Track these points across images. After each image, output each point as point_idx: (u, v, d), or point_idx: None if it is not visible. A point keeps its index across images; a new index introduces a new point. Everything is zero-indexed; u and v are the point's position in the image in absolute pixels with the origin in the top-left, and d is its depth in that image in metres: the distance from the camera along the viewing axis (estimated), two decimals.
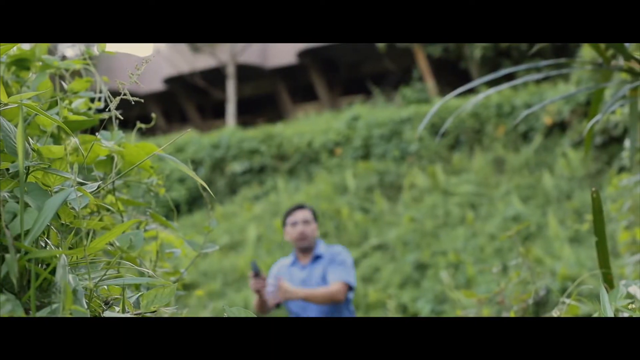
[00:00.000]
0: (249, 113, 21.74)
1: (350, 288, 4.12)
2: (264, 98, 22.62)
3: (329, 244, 4.55)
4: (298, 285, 4.16)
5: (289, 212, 4.33)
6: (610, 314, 0.99)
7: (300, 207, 4.35)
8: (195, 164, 13.50)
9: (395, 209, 10.31)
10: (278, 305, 4.24)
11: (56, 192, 0.88)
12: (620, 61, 2.16)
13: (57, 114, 0.94)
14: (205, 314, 7.68)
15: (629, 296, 2.42)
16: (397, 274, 8.30)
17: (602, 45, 2.05)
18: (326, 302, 4.02)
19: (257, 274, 4.02)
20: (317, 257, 4.29)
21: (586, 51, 9.50)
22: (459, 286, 7.57)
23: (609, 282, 1.59)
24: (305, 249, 4.27)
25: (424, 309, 7.32)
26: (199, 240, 1.17)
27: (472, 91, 13.85)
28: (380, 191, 10.77)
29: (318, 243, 4.35)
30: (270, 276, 4.29)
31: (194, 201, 13.04)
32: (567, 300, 1.94)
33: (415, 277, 8.17)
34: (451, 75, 17.08)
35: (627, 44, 2.11)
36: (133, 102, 0.96)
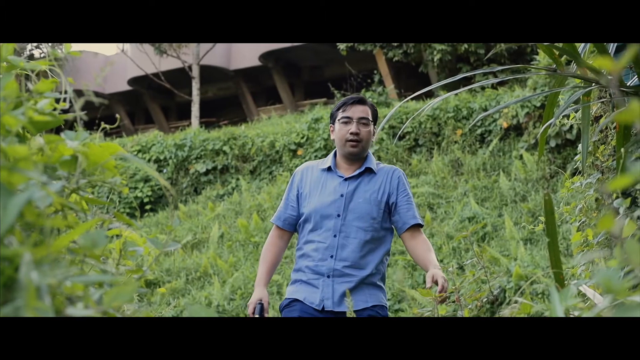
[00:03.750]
0: (213, 114, 21.69)
1: None
2: (227, 100, 22.59)
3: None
4: (327, 201, 3.09)
5: (344, 104, 3.18)
6: (560, 312, 1.03)
7: (359, 100, 3.17)
8: (160, 164, 13.49)
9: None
10: None
11: (21, 191, 0.89)
12: (574, 67, 2.22)
13: (23, 114, 0.96)
14: (168, 310, 7.67)
15: (581, 295, 2.49)
16: None
17: (557, 52, 2.12)
18: None
19: (260, 314, 3.12)
20: (366, 171, 3.17)
21: (542, 57, 9.70)
22: (417, 285, 7.66)
23: (560, 281, 1.65)
24: (354, 158, 3.15)
25: None
26: (162, 239, 1.19)
27: (431, 94, 14.03)
28: None
29: (369, 154, 3.24)
30: (290, 184, 3.27)
31: (159, 200, 13.05)
32: (520, 299, 1.99)
33: None
34: (411, 79, 17.25)
35: (580, 51, 2.18)
36: (97, 105, 0.98)
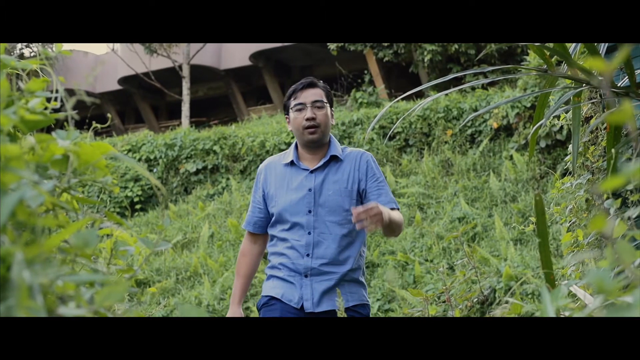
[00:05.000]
0: (203, 114, 21.68)
1: None
2: (218, 99, 22.59)
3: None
4: (295, 198, 2.93)
5: (294, 91, 2.99)
6: (551, 312, 1.03)
7: (309, 84, 2.99)
8: (150, 164, 13.48)
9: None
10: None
11: (12, 190, 0.89)
12: (565, 68, 2.23)
13: (14, 113, 0.95)
14: (158, 310, 7.66)
15: (571, 295, 2.50)
16: None
17: (547, 53, 2.12)
18: (394, 233, 2.86)
19: None
20: (332, 159, 2.99)
21: (532, 57, 9.73)
22: (407, 285, 7.68)
23: (551, 282, 1.66)
24: (315, 145, 2.97)
25: (373, 307, 7.40)
26: (153, 238, 1.19)
27: (421, 95, 14.06)
28: None
29: (332, 139, 3.05)
30: (255, 184, 3.11)
31: (149, 200, 13.03)
32: (511, 300, 2.00)
33: None
34: (401, 79, 17.29)
35: (571, 52, 2.19)
36: (89, 104, 0.98)
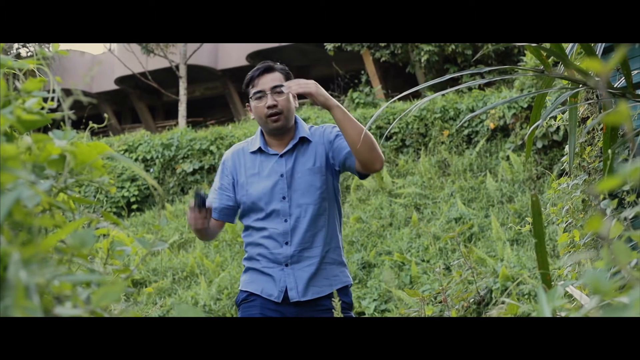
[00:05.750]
0: (200, 114, 21.67)
1: None
2: (215, 99, 22.58)
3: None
4: (268, 186, 2.83)
5: (251, 79, 2.85)
6: (547, 313, 1.03)
7: (266, 69, 2.84)
8: (147, 164, 13.47)
9: (342, 209, 10.41)
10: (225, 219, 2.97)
11: (9, 190, 0.89)
12: (561, 69, 2.24)
13: (11, 112, 0.95)
14: (155, 310, 7.66)
15: (568, 296, 2.51)
16: None
17: (544, 53, 2.13)
18: (362, 145, 2.66)
19: (201, 205, 2.74)
20: (300, 141, 2.87)
21: (529, 58, 9.75)
22: (404, 285, 7.68)
23: (547, 282, 1.66)
24: (281, 132, 2.85)
25: (370, 308, 7.41)
26: (149, 238, 1.19)
27: (418, 95, 14.06)
28: None
29: (298, 121, 2.92)
30: (222, 171, 2.97)
31: (145, 200, 13.02)
32: (507, 300, 2.00)
33: (360, 276, 8.26)
34: (398, 80, 17.29)
35: (567, 52, 2.19)
36: (86, 104, 0.98)
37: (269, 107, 2.78)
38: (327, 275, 2.85)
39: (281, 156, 2.85)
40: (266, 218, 2.85)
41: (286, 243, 2.82)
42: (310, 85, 2.66)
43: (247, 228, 2.94)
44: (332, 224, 2.89)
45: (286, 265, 2.82)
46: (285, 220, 2.82)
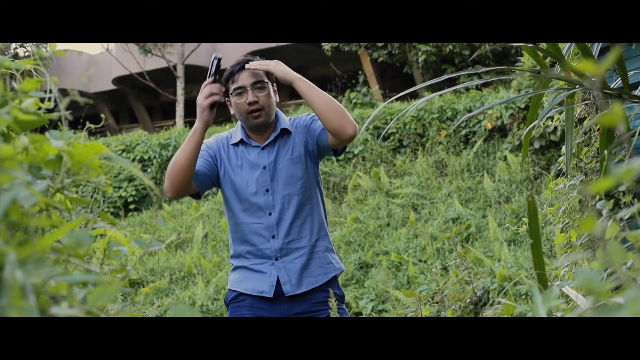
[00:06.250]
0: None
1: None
2: None
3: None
4: (251, 178, 2.78)
5: (231, 74, 2.79)
6: (543, 313, 1.04)
7: (245, 64, 2.77)
8: (144, 164, 13.46)
9: (339, 209, 10.41)
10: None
11: (6, 190, 0.89)
12: (558, 69, 2.24)
13: (8, 113, 0.95)
14: (152, 310, 7.66)
15: (564, 296, 2.51)
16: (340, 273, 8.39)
17: (541, 54, 2.13)
18: (330, 112, 2.63)
19: (217, 75, 2.68)
20: (281, 133, 2.84)
21: (526, 59, 9.76)
22: (401, 285, 7.68)
23: (543, 282, 1.66)
24: (262, 128, 2.81)
25: (367, 308, 7.41)
26: (147, 238, 1.19)
27: (415, 95, 14.08)
28: (325, 192, 10.87)
29: (278, 114, 2.88)
30: (205, 149, 2.87)
31: (143, 200, 13.02)
32: (503, 300, 2.00)
33: (358, 277, 8.27)
34: (396, 80, 17.31)
35: (564, 53, 2.19)
36: (83, 104, 0.98)
37: (249, 104, 2.74)
38: (321, 263, 2.82)
39: (263, 148, 2.81)
40: (250, 212, 2.79)
41: (273, 237, 2.77)
42: (269, 63, 2.70)
43: (231, 222, 2.88)
44: (317, 212, 2.85)
45: (276, 259, 2.78)
46: (270, 214, 2.77)
